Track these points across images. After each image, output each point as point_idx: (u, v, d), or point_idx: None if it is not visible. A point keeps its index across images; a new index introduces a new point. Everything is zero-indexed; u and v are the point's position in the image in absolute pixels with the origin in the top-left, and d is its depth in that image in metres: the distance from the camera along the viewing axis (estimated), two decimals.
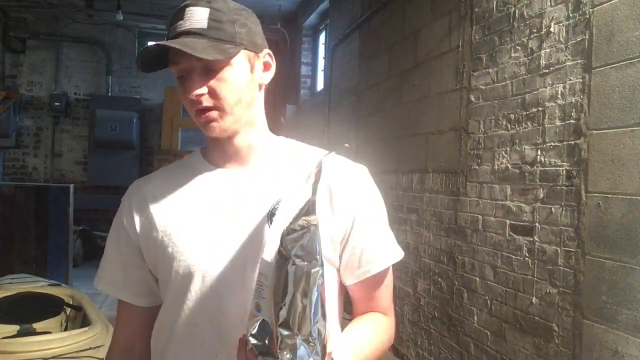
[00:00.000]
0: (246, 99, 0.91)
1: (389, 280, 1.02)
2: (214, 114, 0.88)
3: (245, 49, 0.90)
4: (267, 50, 0.95)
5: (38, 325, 2.85)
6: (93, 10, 7.81)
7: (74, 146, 8.60)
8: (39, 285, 3.31)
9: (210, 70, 0.87)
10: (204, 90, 0.87)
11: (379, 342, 0.96)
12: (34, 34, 8.26)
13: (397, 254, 1.00)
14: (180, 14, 0.87)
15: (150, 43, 8.99)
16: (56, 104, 8.20)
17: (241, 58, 0.90)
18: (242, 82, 0.90)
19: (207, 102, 0.88)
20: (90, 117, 8.36)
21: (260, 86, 0.95)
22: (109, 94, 8.56)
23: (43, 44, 8.37)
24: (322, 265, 0.69)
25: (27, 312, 2.91)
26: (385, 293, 1.01)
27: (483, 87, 3.02)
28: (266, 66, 0.95)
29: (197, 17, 0.86)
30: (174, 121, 7.83)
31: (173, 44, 0.83)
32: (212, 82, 0.87)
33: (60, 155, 8.55)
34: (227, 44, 0.86)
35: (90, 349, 2.35)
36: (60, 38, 8.38)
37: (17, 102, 8.18)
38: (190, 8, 0.87)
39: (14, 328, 2.75)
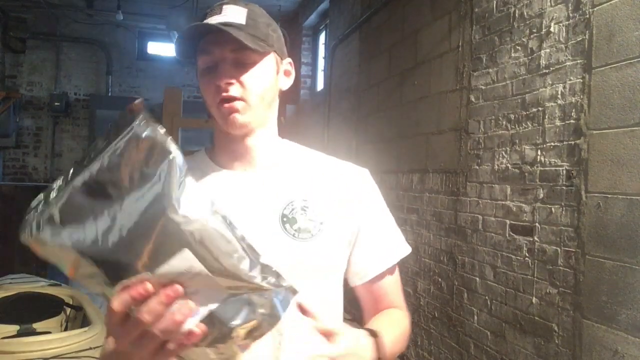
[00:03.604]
0: (268, 98, 0.93)
1: (397, 277, 1.03)
2: (238, 104, 0.89)
3: (274, 52, 0.94)
4: (289, 59, 0.99)
5: (38, 325, 2.86)
6: (93, 10, 7.81)
7: (74, 146, 8.59)
8: (39, 285, 3.31)
9: (241, 63, 0.89)
10: (233, 80, 0.88)
11: (398, 325, 0.98)
12: (34, 34, 8.25)
13: (403, 250, 1.02)
14: (217, 10, 0.89)
15: (150, 43, 9.00)
16: (56, 104, 8.20)
17: (270, 59, 0.93)
18: (268, 81, 0.92)
19: (234, 91, 0.88)
20: (90, 117, 8.36)
21: (279, 91, 0.98)
22: (109, 94, 8.55)
23: (43, 44, 8.37)
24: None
25: (27, 312, 2.91)
26: (394, 290, 1.03)
27: (483, 87, 3.02)
28: (286, 73, 0.98)
29: (236, 13, 0.89)
30: (174, 121, 7.80)
31: (221, 27, 0.85)
32: (242, 74, 0.89)
33: (60, 155, 8.55)
34: (262, 41, 0.89)
35: (90, 349, 2.35)
36: (60, 38, 8.38)
37: (17, 102, 8.18)
38: (229, 6, 0.90)
39: (14, 328, 2.75)
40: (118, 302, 0.57)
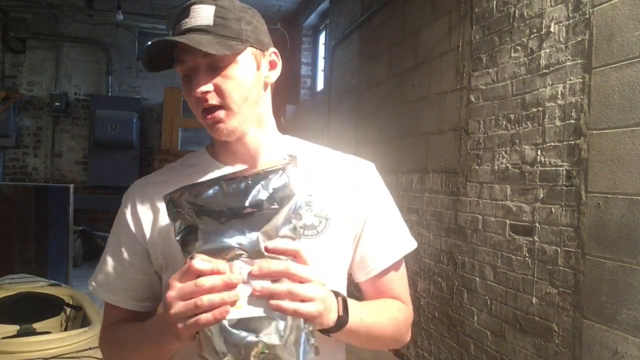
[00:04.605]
0: (252, 97, 0.89)
1: (402, 271, 1.01)
2: (220, 114, 0.86)
3: (251, 46, 0.89)
4: (273, 49, 0.94)
5: (38, 325, 2.85)
6: (93, 10, 7.82)
7: (74, 146, 8.60)
8: (39, 285, 3.31)
9: (216, 67, 0.85)
10: (209, 87, 0.85)
11: (388, 310, 0.95)
12: (34, 34, 8.26)
13: (409, 245, 1.00)
14: (185, 12, 0.86)
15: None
16: (56, 104, 8.21)
17: (247, 55, 0.88)
18: (248, 80, 0.88)
19: (212, 100, 0.86)
20: (90, 117, 8.37)
21: (266, 85, 0.93)
22: (109, 94, 8.56)
23: (43, 44, 8.37)
24: None
25: (27, 312, 2.91)
26: (400, 285, 1.00)
27: (483, 87, 3.02)
28: (272, 65, 0.94)
29: (203, 14, 0.85)
30: (174, 121, 7.83)
31: (178, 39, 0.82)
32: (218, 80, 0.85)
33: (60, 155, 8.55)
34: (233, 40, 0.85)
35: (90, 349, 2.35)
36: (60, 38, 8.38)
37: (17, 102, 8.18)
38: (196, 6, 0.86)
39: (14, 328, 2.75)
40: (201, 264, 0.70)
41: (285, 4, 7.24)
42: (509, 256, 2.71)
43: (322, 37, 7.30)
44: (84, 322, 2.83)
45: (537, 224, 2.51)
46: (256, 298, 0.70)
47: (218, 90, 0.86)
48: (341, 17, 5.83)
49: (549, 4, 2.48)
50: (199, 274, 0.70)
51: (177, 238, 0.76)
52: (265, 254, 0.72)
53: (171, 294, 0.71)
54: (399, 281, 1.00)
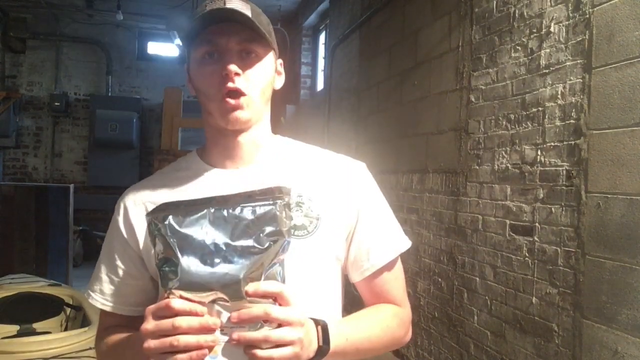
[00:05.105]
0: (267, 94, 0.93)
1: (398, 271, 1.00)
2: (243, 100, 0.87)
3: (273, 49, 0.93)
4: (280, 60, 0.98)
5: (38, 325, 2.86)
6: (93, 10, 7.82)
7: (74, 146, 8.60)
8: (39, 285, 3.31)
9: (246, 56, 0.88)
10: (240, 70, 0.87)
11: (379, 320, 0.94)
12: (34, 34, 8.26)
13: (403, 244, 0.99)
14: (219, 1, 0.86)
15: (150, 43, 9.00)
16: (56, 104, 8.20)
17: (271, 55, 0.93)
18: (270, 76, 0.92)
19: (239, 83, 0.86)
20: (90, 117, 8.37)
21: (273, 89, 0.97)
22: (109, 94, 8.55)
23: (43, 44, 8.37)
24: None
25: (27, 312, 2.91)
26: (396, 285, 1.00)
27: (483, 87, 3.02)
28: (278, 73, 0.98)
29: (241, 5, 0.86)
30: (174, 121, 7.82)
31: (230, 12, 0.83)
32: (248, 68, 0.88)
33: (60, 155, 8.55)
34: (267, 36, 0.89)
35: (90, 349, 2.35)
36: (60, 38, 8.38)
37: (17, 102, 8.18)
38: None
39: (14, 328, 2.75)
40: (179, 304, 0.70)
41: (285, 4, 7.24)
42: (509, 256, 2.71)
43: (322, 37, 7.29)
44: (84, 322, 2.83)
45: (537, 224, 2.51)
46: (232, 346, 0.69)
47: (245, 77, 0.88)
48: (341, 17, 5.83)
49: (549, 4, 2.48)
50: (176, 313, 0.69)
51: (155, 264, 0.74)
52: (246, 298, 0.70)
53: (147, 327, 0.70)
54: (395, 281, 0.99)
